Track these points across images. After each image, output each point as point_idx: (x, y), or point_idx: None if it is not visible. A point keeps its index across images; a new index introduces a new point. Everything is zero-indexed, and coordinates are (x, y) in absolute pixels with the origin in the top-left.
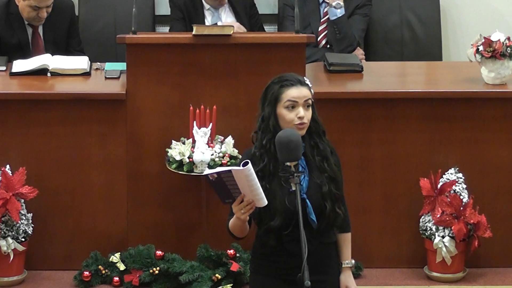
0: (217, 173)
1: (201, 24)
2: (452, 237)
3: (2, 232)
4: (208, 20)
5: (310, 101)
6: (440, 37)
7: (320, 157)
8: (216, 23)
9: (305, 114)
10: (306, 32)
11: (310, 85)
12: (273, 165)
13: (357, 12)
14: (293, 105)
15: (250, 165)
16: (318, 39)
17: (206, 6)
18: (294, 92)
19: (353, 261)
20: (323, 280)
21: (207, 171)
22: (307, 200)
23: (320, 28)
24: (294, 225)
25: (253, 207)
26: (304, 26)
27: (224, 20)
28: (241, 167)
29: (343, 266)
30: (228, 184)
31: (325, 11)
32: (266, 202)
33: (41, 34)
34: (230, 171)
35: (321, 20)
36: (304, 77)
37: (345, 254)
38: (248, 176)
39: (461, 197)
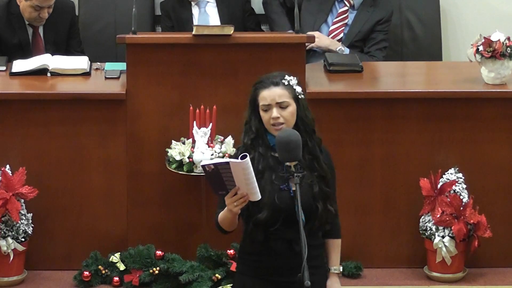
0: (214, 164)
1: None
2: (452, 237)
3: (2, 232)
4: (195, 17)
5: (285, 102)
6: (440, 37)
7: (310, 156)
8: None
9: (281, 114)
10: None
11: (292, 83)
12: (262, 163)
13: (378, 29)
14: (266, 108)
15: (248, 158)
16: (330, 37)
17: (193, 2)
18: (265, 94)
19: (341, 268)
20: (310, 281)
21: (205, 162)
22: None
23: (331, 28)
24: (282, 222)
25: (246, 201)
26: (314, 21)
27: (211, 16)
28: (239, 160)
29: (330, 271)
30: (224, 176)
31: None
32: (259, 197)
33: (41, 34)
34: (228, 163)
35: (334, 20)
36: (286, 75)
37: (334, 260)
38: (245, 170)
39: (461, 197)
